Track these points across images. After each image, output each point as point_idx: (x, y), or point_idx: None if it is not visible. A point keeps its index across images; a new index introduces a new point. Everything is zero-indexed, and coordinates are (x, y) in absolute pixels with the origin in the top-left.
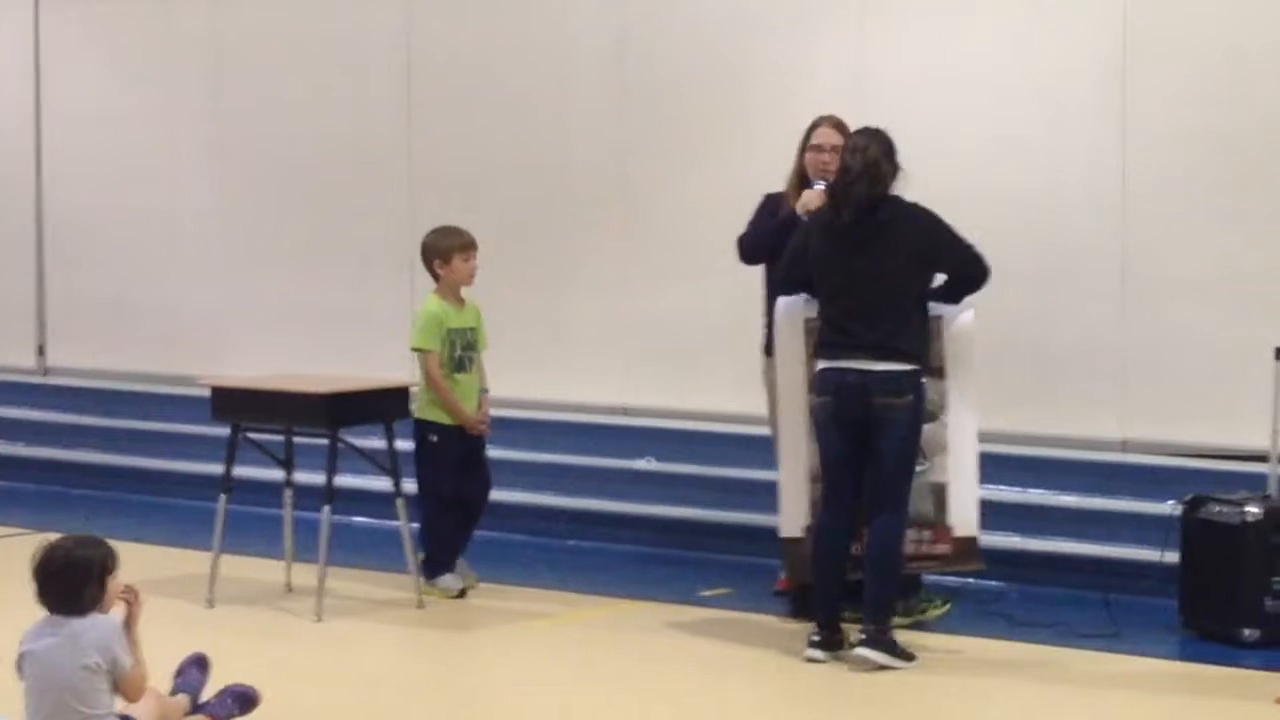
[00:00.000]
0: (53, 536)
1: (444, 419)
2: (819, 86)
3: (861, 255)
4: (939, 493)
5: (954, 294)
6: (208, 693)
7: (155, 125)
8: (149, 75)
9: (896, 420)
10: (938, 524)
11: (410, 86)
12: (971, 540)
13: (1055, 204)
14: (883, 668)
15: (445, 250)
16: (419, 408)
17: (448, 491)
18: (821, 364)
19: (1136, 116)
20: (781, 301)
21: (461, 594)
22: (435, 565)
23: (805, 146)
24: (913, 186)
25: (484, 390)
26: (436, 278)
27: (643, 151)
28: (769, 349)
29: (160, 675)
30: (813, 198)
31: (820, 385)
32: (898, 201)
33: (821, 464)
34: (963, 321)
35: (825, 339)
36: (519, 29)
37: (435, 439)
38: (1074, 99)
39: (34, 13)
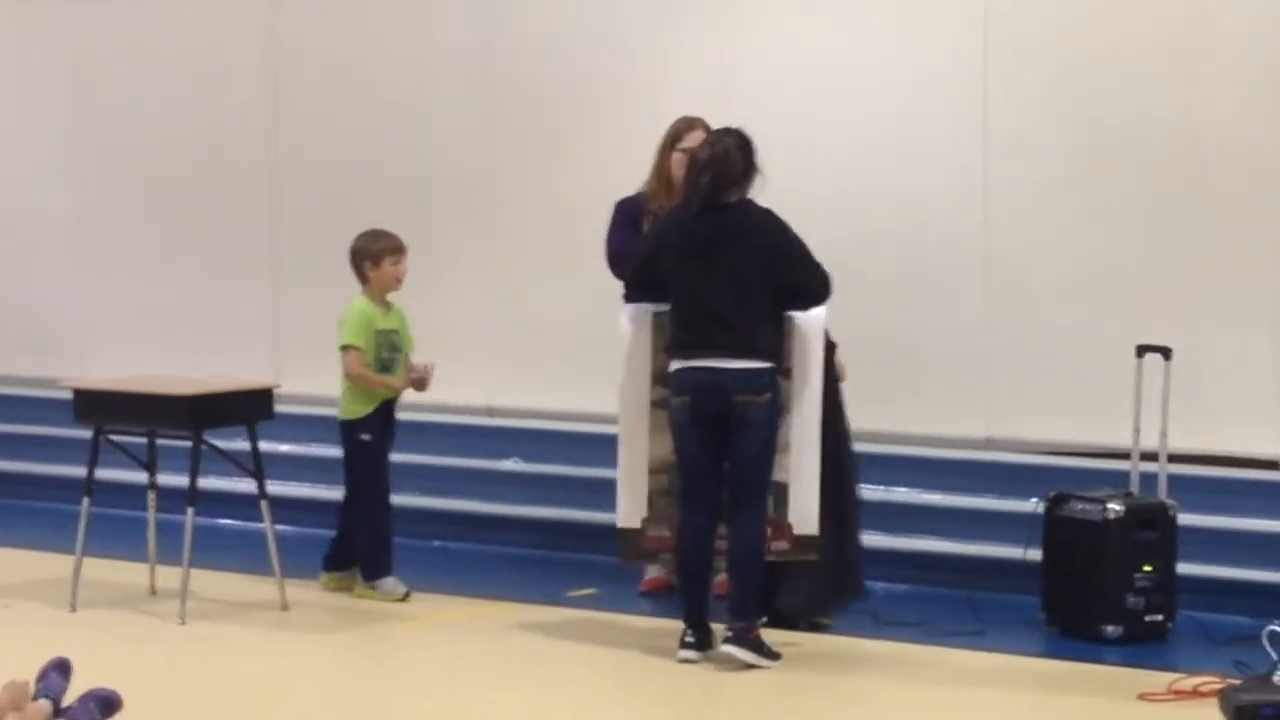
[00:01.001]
0: None
1: (370, 412)
2: (680, 87)
3: (713, 254)
4: (780, 490)
5: (794, 305)
6: (69, 698)
7: (15, 126)
8: (8, 76)
9: (756, 419)
10: (778, 521)
11: (273, 89)
12: (811, 538)
13: (917, 204)
14: (750, 666)
15: (375, 253)
16: (342, 409)
17: (384, 489)
18: (676, 363)
19: (997, 116)
20: (640, 308)
21: (405, 597)
22: (376, 568)
23: (672, 147)
24: (775, 187)
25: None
26: (365, 280)
27: (507, 153)
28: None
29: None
30: None
31: (676, 385)
32: (749, 203)
33: (680, 463)
34: (807, 320)
35: (679, 339)
36: (383, 30)
37: (368, 437)
38: (935, 99)
39: None
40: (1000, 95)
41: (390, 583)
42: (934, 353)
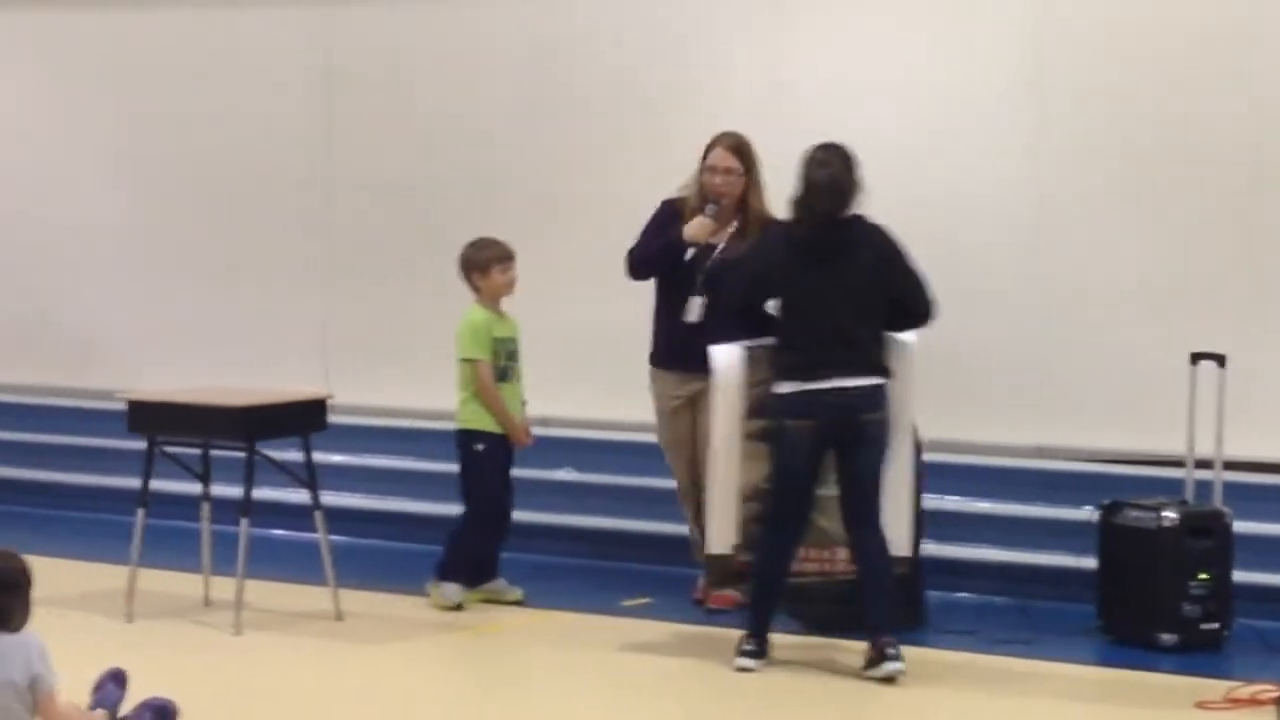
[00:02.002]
0: None
1: (491, 427)
2: (733, 95)
3: (830, 272)
4: None
5: (896, 325)
6: (125, 707)
7: (65, 139)
8: (57, 88)
9: (876, 436)
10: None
11: (324, 98)
12: (902, 559)
13: (971, 212)
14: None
15: (483, 262)
16: (462, 417)
17: (492, 500)
18: (792, 385)
19: (1050, 123)
20: (730, 346)
21: (458, 607)
22: (448, 570)
23: (702, 164)
24: None
25: (523, 401)
26: (476, 290)
27: (559, 161)
28: (655, 359)
29: (78, 691)
30: (700, 230)
31: (795, 408)
32: (861, 219)
33: (782, 485)
34: (901, 339)
35: (796, 360)
36: (435, 40)
37: (482, 448)
38: (988, 107)
39: None
40: (1053, 103)
41: (451, 589)
42: (987, 361)
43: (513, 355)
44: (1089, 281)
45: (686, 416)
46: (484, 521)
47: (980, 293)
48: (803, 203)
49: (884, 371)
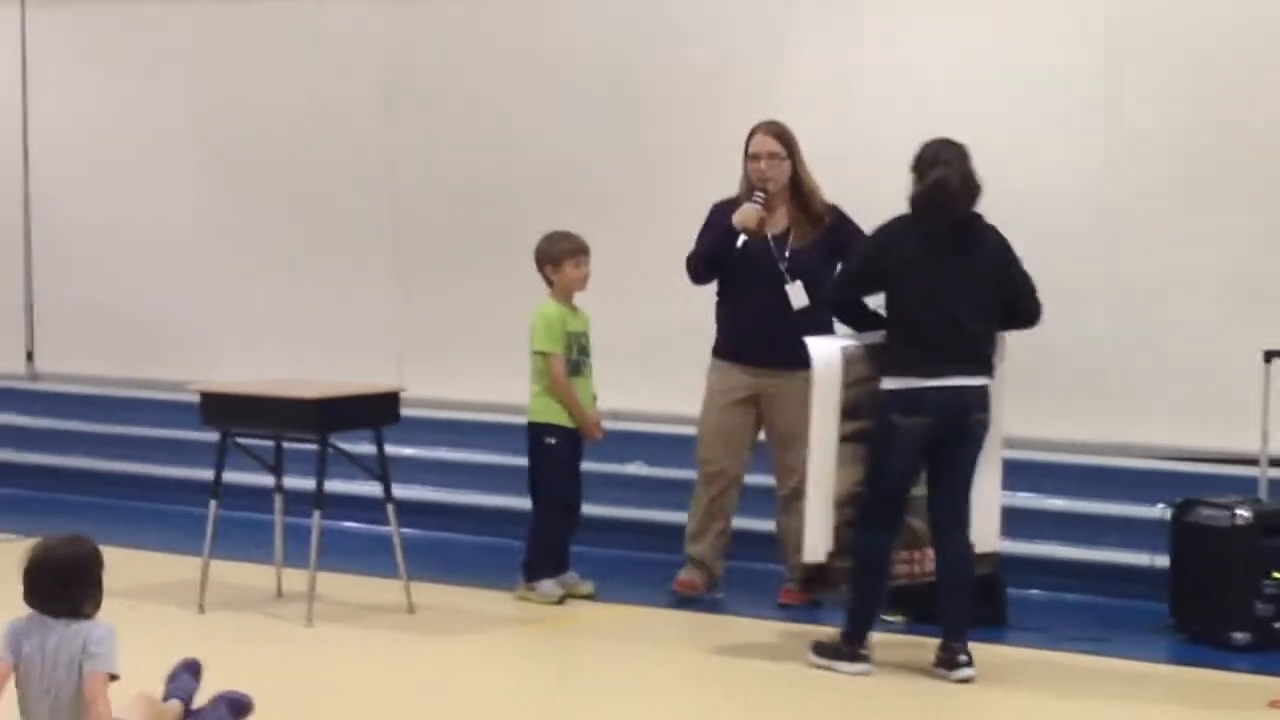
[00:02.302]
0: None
1: (563, 421)
2: (804, 89)
3: (951, 270)
4: None
5: (1009, 325)
6: (200, 699)
7: (143, 130)
8: (135, 79)
9: (980, 436)
10: None
11: (395, 90)
12: (988, 555)
13: (1042, 207)
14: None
15: (556, 256)
16: (533, 411)
17: (562, 495)
18: (910, 382)
19: (1122, 118)
20: (827, 341)
21: (560, 601)
22: (536, 569)
23: (745, 154)
24: (897, 191)
25: (593, 395)
26: (549, 283)
27: (630, 156)
28: (717, 350)
29: (152, 681)
30: (749, 216)
31: (911, 405)
32: (980, 217)
33: (885, 483)
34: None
35: (910, 356)
36: (505, 34)
37: (553, 441)
38: (1059, 101)
39: (20, 19)
40: (1125, 97)
41: (548, 585)
42: (1059, 358)
43: (584, 350)
44: (1161, 278)
45: (746, 411)
46: (554, 515)
47: (1052, 289)
48: (931, 200)
49: (993, 371)
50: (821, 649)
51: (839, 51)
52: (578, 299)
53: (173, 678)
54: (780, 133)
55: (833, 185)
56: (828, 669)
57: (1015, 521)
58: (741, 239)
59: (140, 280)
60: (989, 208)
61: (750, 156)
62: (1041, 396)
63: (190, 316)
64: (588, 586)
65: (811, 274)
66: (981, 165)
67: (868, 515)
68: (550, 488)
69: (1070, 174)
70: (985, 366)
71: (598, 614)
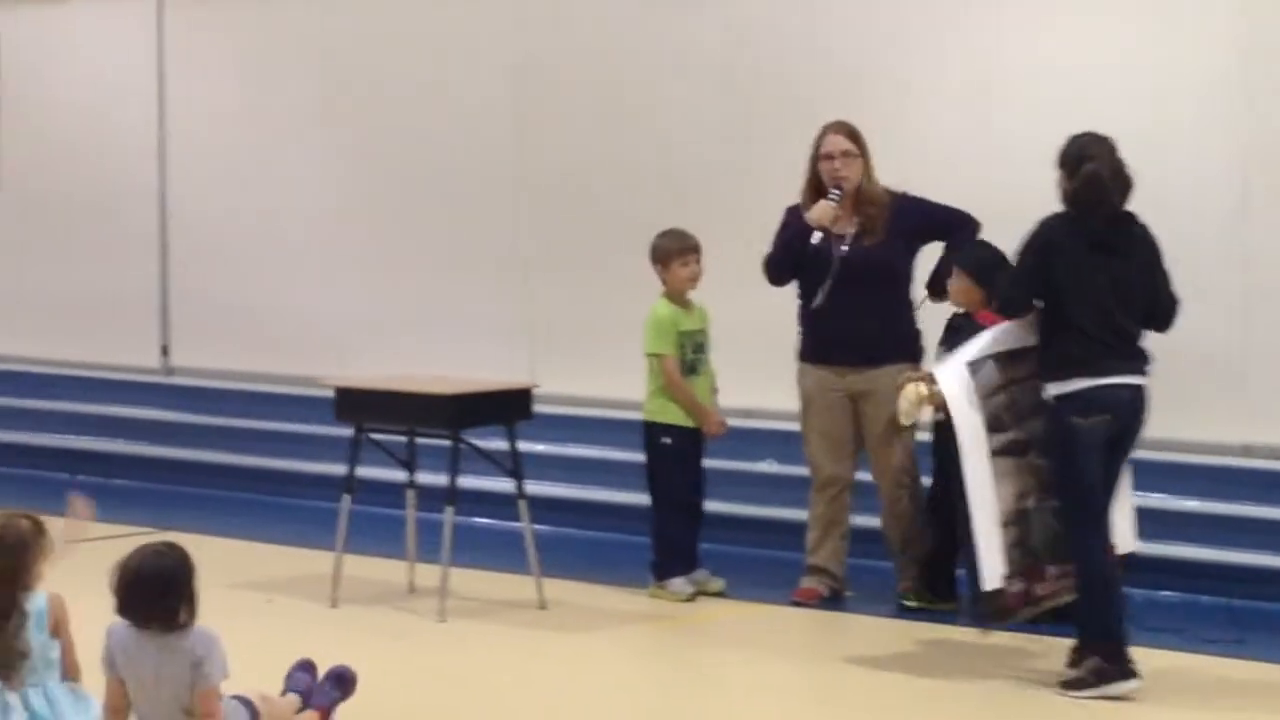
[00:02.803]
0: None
1: (679, 420)
2: (938, 83)
3: (1111, 267)
4: None
5: (1148, 325)
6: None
7: (277, 126)
8: (271, 76)
9: (1136, 438)
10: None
11: (521, 88)
12: (1128, 555)
13: (1176, 203)
14: None
15: (664, 255)
16: (649, 411)
17: (680, 494)
18: (1084, 381)
19: (1257, 113)
20: (949, 363)
21: (691, 598)
22: (664, 568)
23: (817, 155)
24: (1037, 188)
25: (714, 391)
26: (663, 282)
27: (756, 150)
28: (803, 354)
29: (276, 678)
30: (824, 213)
31: (1089, 403)
32: (1133, 215)
33: (1084, 485)
34: None
35: (1085, 354)
36: (628, 28)
37: (669, 441)
38: (1195, 95)
39: (157, 15)
40: (1260, 92)
41: (678, 583)
42: (1191, 357)
43: (700, 348)
44: None
45: (844, 412)
46: (673, 514)
47: (1186, 287)
48: (1085, 194)
49: (1149, 371)
50: (1081, 683)
51: (973, 44)
52: (702, 295)
53: (288, 676)
54: (852, 131)
55: (972, 188)
56: (1102, 697)
57: (1149, 522)
58: (817, 236)
59: (275, 275)
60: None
61: (824, 156)
62: (1173, 397)
63: (324, 311)
64: (718, 584)
65: (867, 269)
66: None
67: (1075, 523)
68: (668, 487)
69: (1203, 171)
70: (1146, 365)
71: (727, 612)
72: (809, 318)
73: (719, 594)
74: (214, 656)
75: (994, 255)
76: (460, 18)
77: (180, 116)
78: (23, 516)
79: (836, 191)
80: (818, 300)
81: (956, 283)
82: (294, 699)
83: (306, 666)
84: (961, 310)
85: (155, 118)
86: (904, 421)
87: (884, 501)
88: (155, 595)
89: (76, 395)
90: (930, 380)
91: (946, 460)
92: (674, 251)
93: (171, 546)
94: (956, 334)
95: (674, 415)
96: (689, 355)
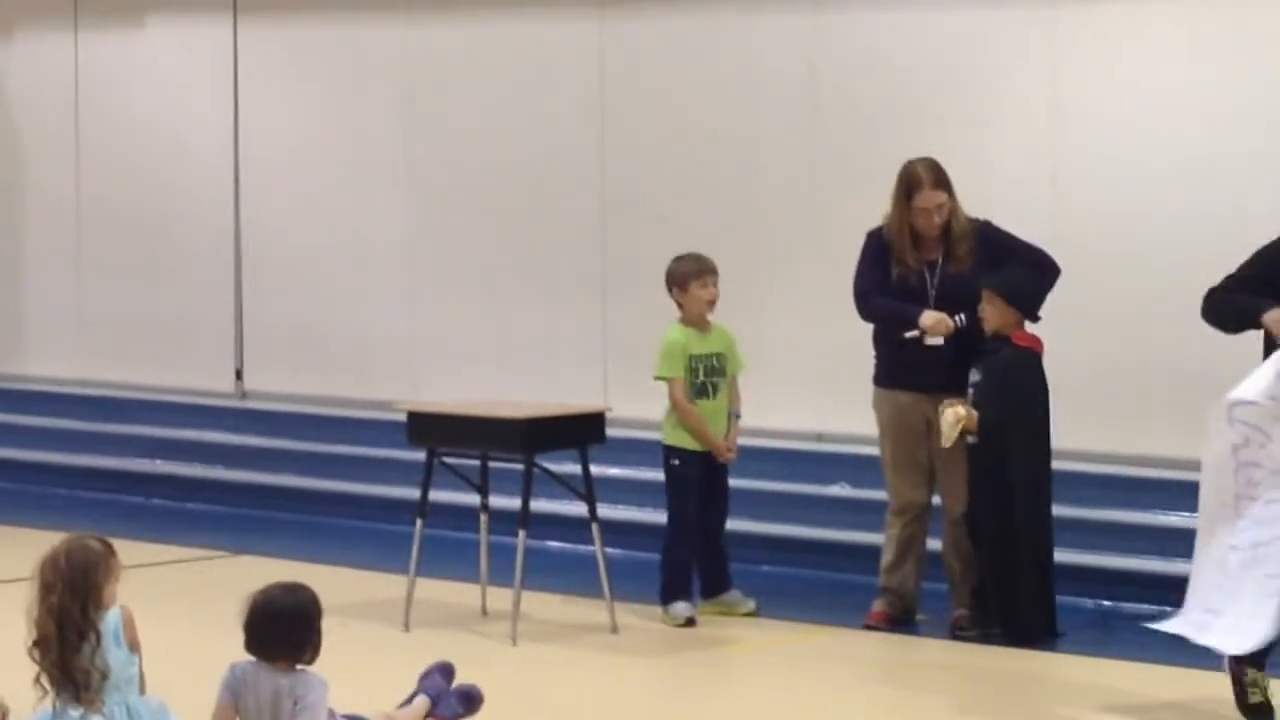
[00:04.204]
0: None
1: (688, 444)
2: (1011, 106)
3: None
4: None
5: None
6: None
7: (349, 150)
8: (343, 99)
9: None
10: None
11: (601, 110)
12: None
13: (1246, 227)
14: None
15: (681, 277)
16: (663, 434)
17: (689, 517)
18: None
19: None
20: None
21: (689, 623)
22: (667, 592)
23: (908, 201)
24: (1109, 212)
25: (735, 415)
26: (679, 305)
27: (832, 174)
28: (879, 379)
29: (353, 700)
30: (940, 330)
31: None
32: None
33: None
34: None
35: None
36: (708, 53)
37: (676, 463)
38: (1265, 121)
39: (233, 40)
40: None
41: (680, 607)
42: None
43: (715, 371)
44: None
45: (919, 437)
46: (681, 536)
47: None
48: None
49: None
50: None
51: (1044, 68)
52: (775, 315)
53: (426, 675)
54: (940, 178)
55: (1044, 204)
56: None
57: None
58: (913, 332)
59: (348, 299)
60: (1196, 230)
61: (920, 210)
62: None
63: (397, 335)
64: (747, 605)
65: (963, 298)
66: (1188, 187)
67: None
68: (676, 510)
69: (1273, 197)
70: None
71: (797, 636)
72: (888, 343)
73: (750, 614)
74: (316, 699)
75: (1025, 276)
76: (541, 40)
77: (255, 139)
78: (93, 538)
79: (961, 317)
80: (933, 340)
81: (990, 306)
82: (424, 702)
83: (445, 670)
84: (995, 333)
85: (230, 140)
86: (944, 444)
87: (948, 527)
88: (284, 631)
89: (150, 419)
90: (967, 405)
91: (976, 484)
92: (691, 274)
93: (301, 585)
94: (992, 358)
95: (684, 439)
96: (701, 378)
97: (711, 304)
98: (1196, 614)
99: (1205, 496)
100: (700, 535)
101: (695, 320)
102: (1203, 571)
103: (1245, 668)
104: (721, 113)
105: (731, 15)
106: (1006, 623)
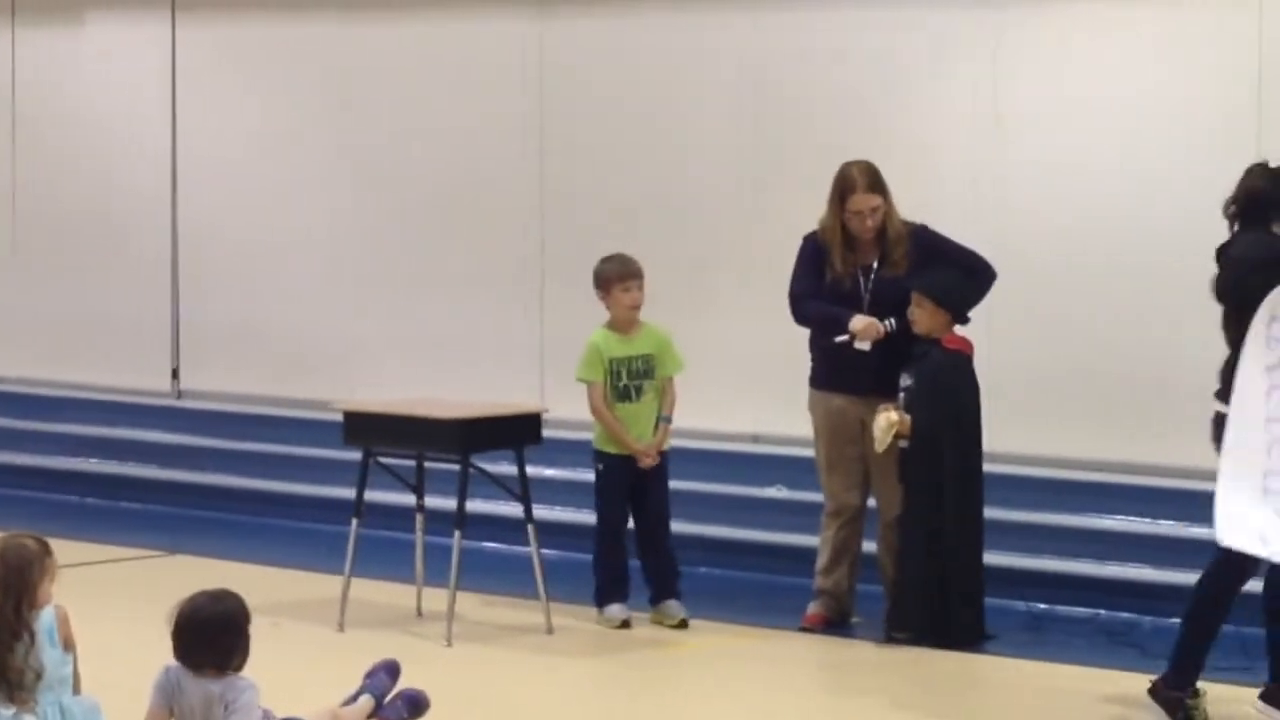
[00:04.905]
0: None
1: (611, 448)
2: (952, 113)
3: None
4: None
5: None
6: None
7: (290, 150)
8: (281, 98)
9: None
10: None
11: (539, 109)
12: None
13: (1187, 233)
14: None
15: (605, 280)
16: (594, 438)
17: (613, 522)
18: None
19: (1270, 145)
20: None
21: (624, 624)
22: (601, 594)
23: (843, 202)
24: (1049, 216)
25: (664, 419)
26: (607, 308)
27: (771, 178)
28: (815, 382)
29: (288, 700)
30: (870, 334)
31: None
32: None
33: None
34: None
35: None
36: (648, 55)
37: (601, 467)
38: (1207, 127)
39: (170, 40)
40: (1272, 127)
41: (614, 609)
42: (1201, 384)
43: (639, 374)
44: None
45: (854, 440)
46: (606, 540)
47: (1195, 314)
48: None
49: None
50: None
51: (987, 75)
52: (711, 318)
53: (371, 674)
54: (875, 181)
55: (984, 211)
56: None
57: (1159, 549)
58: (844, 337)
59: (285, 299)
60: (1136, 235)
61: (853, 214)
62: (1183, 425)
63: (334, 335)
64: (676, 618)
65: (898, 302)
66: (1129, 193)
67: None
68: (602, 514)
69: (1216, 202)
70: None
71: (732, 638)
72: (825, 345)
73: (681, 625)
74: (246, 703)
75: (955, 279)
76: (479, 39)
77: (193, 138)
78: (29, 537)
79: (891, 321)
80: (861, 345)
81: (919, 309)
82: (368, 701)
83: (391, 669)
84: (924, 336)
85: (168, 138)
86: (878, 449)
87: (882, 529)
88: (212, 639)
89: (86, 418)
90: (900, 409)
91: (908, 487)
92: (614, 278)
93: (228, 593)
94: (922, 362)
95: (608, 443)
96: (623, 381)
97: (634, 308)
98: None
99: (1234, 419)
100: (630, 539)
101: (619, 323)
102: (1237, 499)
103: (1181, 692)
104: (660, 112)
105: (670, 13)
106: (938, 625)
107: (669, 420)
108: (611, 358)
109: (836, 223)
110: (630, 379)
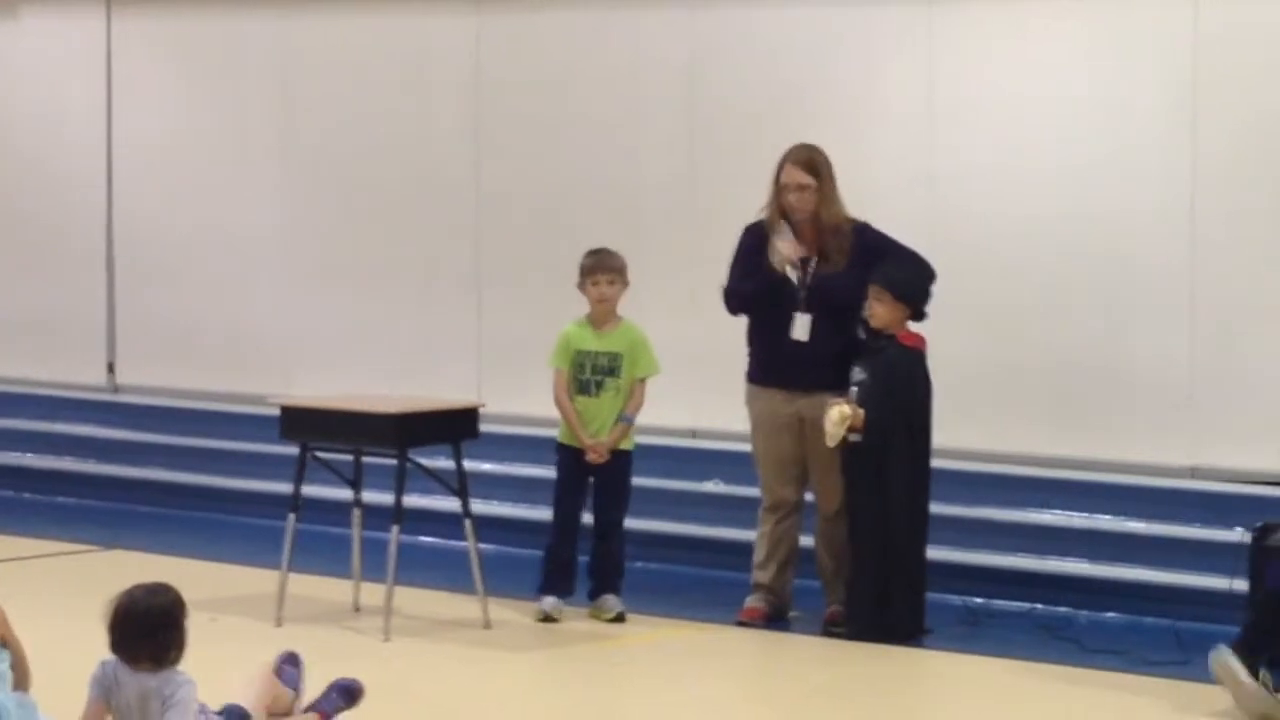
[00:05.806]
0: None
1: (566, 438)
2: (887, 108)
3: None
4: None
5: None
6: (311, 690)
7: (225, 143)
8: (218, 92)
9: None
10: None
11: (478, 105)
12: None
13: (1124, 229)
14: None
15: (580, 272)
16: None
17: (560, 510)
18: None
19: (1206, 142)
20: None
21: (547, 619)
22: (541, 583)
23: (778, 182)
24: (982, 214)
25: (624, 418)
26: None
27: (712, 172)
28: (752, 376)
29: (223, 693)
30: (790, 250)
31: None
32: None
33: None
34: None
35: None
36: (588, 48)
37: (557, 458)
38: (1143, 127)
39: (105, 29)
40: (1208, 124)
41: (545, 602)
42: (1139, 380)
43: (604, 370)
44: (1242, 301)
45: (792, 435)
46: (554, 529)
47: (1134, 311)
48: None
49: None
50: None
51: (922, 71)
52: (654, 315)
53: (276, 671)
54: (809, 161)
55: (921, 207)
56: None
57: (1095, 544)
58: (793, 273)
59: (222, 293)
60: (1073, 232)
61: (781, 186)
62: (1121, 419)
63: (271, 330)
64: (610, 613)
65: (835, 297)
66: (1065, 189)
67: None
68: (555, 504)
69: (1151, 199)
70: None
71: (673, 631)
72: (761, 340)
73: (618, 619)
74: (183, 697)
75: (913, 273)
76: (417, 35)
77: (128, 134)
78: None
79: (784, 223)
80: (798, 333)
81: (878, 303)
82: (290, 695)
83: (292, 659)
84: (880, 330)
85: (104, 132)
86: (829, 443)
87: (821, 524)
88: (148, 632)
89: (21, 413)
90: (853, 403)
91: (856, 482)
92: (585, 271)
93: (165, 586)
94: (877, 357)
95: (566, 433)
96: (586, 375)
97: (600, 302)
98: None
99: None
100: (578, 531)
101: (592, 316)
102: None
103: None
104: (599, 108)
105: (610, 9)
106: (878, 620)
107: (629, 421)
108: (578, 349)
109: (776, 203)
110: (593, 374)
